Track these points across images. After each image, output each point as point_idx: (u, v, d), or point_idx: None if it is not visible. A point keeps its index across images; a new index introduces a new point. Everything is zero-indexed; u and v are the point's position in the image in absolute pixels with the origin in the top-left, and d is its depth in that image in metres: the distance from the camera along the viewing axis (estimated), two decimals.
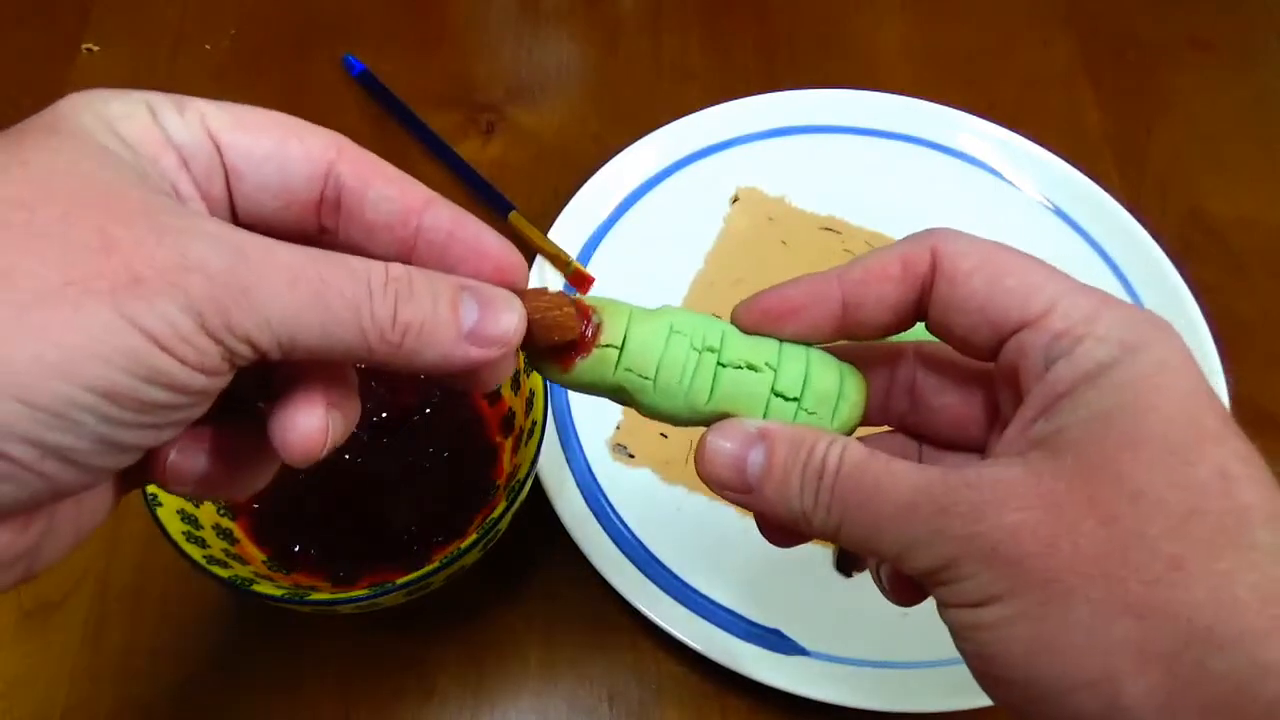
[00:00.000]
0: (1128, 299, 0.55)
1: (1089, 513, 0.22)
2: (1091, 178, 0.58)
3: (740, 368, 0.27)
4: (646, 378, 0.27)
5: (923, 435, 0.30)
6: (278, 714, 0.45)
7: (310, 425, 0.24)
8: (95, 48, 0.67)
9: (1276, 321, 0.57)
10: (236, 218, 0.25)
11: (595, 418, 0.51)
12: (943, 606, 0.24)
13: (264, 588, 0.39)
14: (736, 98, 0.61)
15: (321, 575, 0.44)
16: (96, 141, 0.23)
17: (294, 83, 0.65)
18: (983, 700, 0.25)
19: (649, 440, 0.51)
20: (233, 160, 0.25)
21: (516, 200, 0.58)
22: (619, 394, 0.27)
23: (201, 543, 0.40)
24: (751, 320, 0.28)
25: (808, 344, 0.28)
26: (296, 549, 0.44)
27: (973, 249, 0.25)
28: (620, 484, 0.49)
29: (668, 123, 0.60)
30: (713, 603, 0.46)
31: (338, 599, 0.39)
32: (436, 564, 0.39)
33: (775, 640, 0.45)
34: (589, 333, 0.27)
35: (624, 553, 0.47)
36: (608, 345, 0.27)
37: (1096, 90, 0.66)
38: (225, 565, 0.40)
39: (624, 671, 0.46)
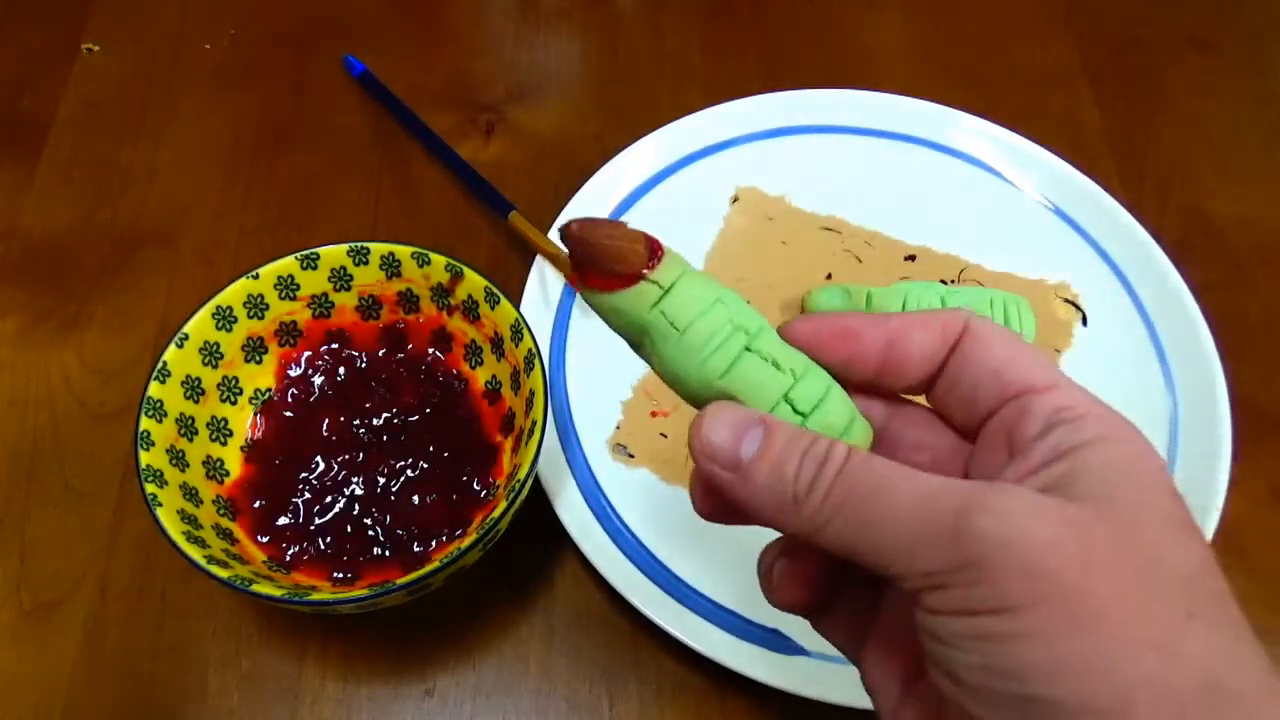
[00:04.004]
0: (1128, 299, 0.55)
1: (1117, 550, 0.22)
2: (1091, 178, 0.58)
3: (765, 360, 0.27)
4: (676, 328, 0.27)
5: None
6: (277, 714, 0.45)
7: None
8: (95, 48, 0.67)
9: (1276, 321, 0.57)
10: None
11: (595, 418, 0.51)
12: (936, 614, 0.23)
13: (264, 588, 0.39)
14: (736, 98, 0.61)
15: (321, 575, 0.44)
16: None
17: (294, 83, 0.65)
18: None
19: (649, 440, 0.51)
20: None
21: (516, 200, 0.58)
22: (641, 336, 0.28)
23: (201, 543, 0.40)
24: (798, 334, 0.28)
25: (836, 380, 0.28)
26: (296, 549, 0.44)
27: (998, 327, 0.28)
28: (620, 484, 0.49)
29: (668, 123, 0.60)
30: (713, 603, 0.46)
31: (338, 599, 0.39)
32: (436, 564, 0.39)
33: (775, 640, 0.45)
34: (647, 268, 0.27)
35: (624, 553, 0.47)
36: (654, 282, 0.27)
37: (1096, 90, 0.66)
38: (225, 565, 0.40)
39: (624, 671, 0.46)
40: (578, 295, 0.54)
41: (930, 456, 0.28)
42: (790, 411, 0.27)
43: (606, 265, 0.27)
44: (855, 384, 0.28)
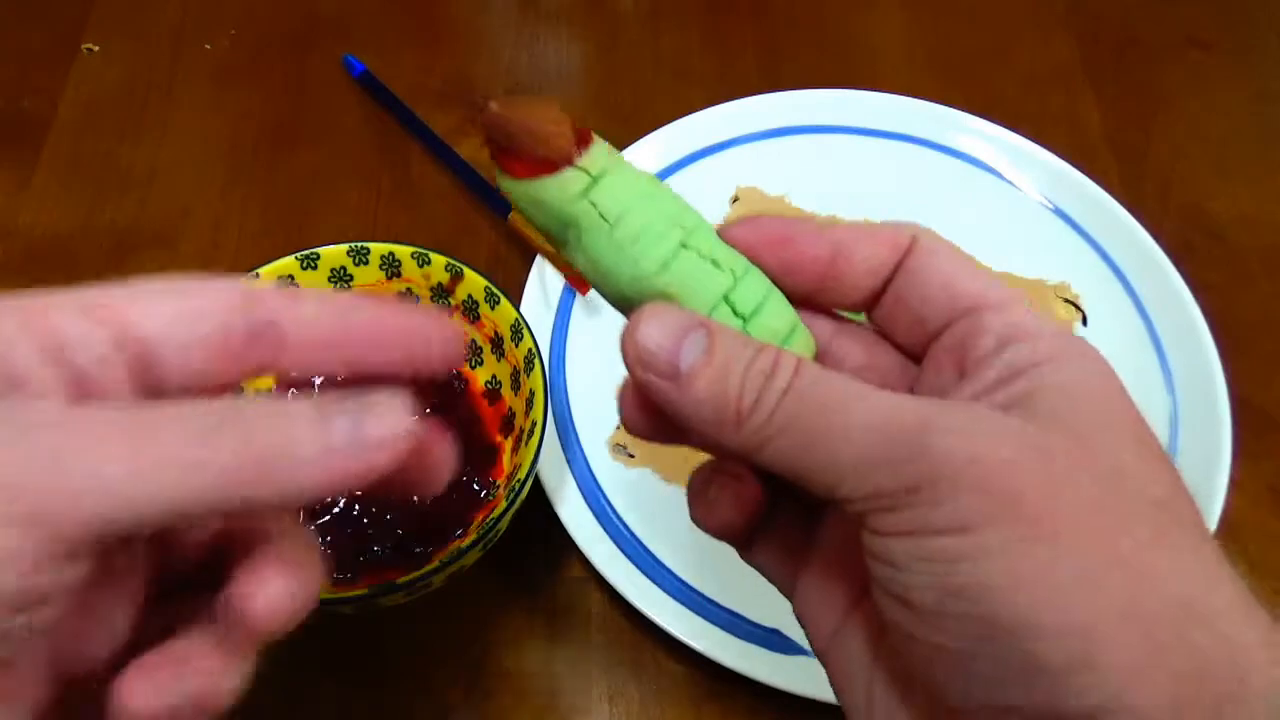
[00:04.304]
0: (1128, 299, 0.55)
1: (1081, 468, 0.21)
2: (1091, 178, 0.58)
3: (704, 257, 0.25)
4: (606, 220, 0.25)
5: None
6: (277, 714, 0.45)
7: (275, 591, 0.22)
8: (95, 48, 0.67)
9: (1276, 321, 0.57)
10: (165, 391, 0.23)
11: (595, 418, 0.51)
12: (887, 536, 0.22)
13: None
14: (736, 98, 0.61)
15: None
16: None
17: (294, 83, 0.65)
18: None
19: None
20: (142, 333, 0.22)
21: None
22: (566, 231, 0.25)
23: None
24: (737, 237, 0.26)
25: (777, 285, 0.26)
26: None
27: (946, 242, 0.26)
28: (620, 484, 0.49)
29: (668, 123, 0.60)
30: (713, 603, 0.46)
31: (338, 599, 0.39)
32: (436, 564, 0.39)
33: (775, 640, 0.45)
34: (574, 154, 0.25)
35: (624, 553, 0.47)
36: (582, 169, 0.25)
37: (1096, 90, 0.66)
38: None
39: (624, 671, 0.46)
40: (578, 296, 0.53)
41: (876, 378, 0.26)
42: (730, 314, 0.25)
43: (528, 149, 0.24)
44: (796, 296, 0.27)
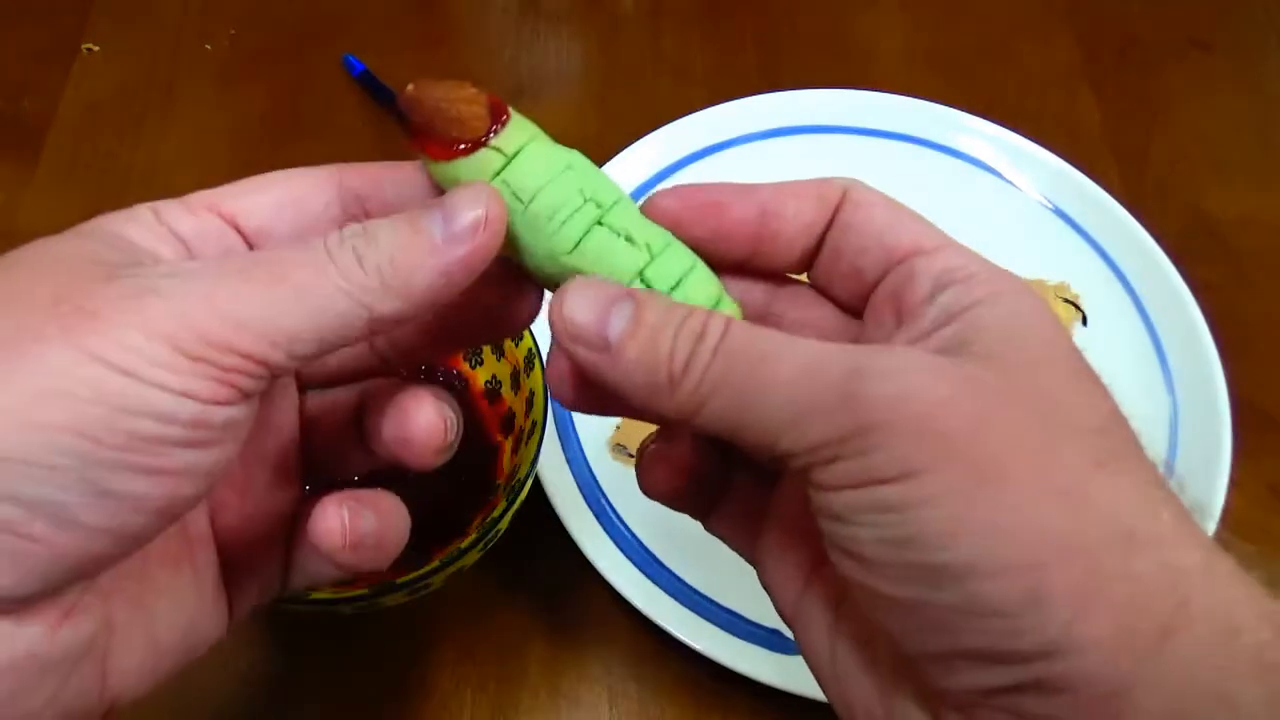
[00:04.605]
0: (1128, 299, 0.55)
1: (1017, 403, 0.21)
2: (1091, 178, 0.58)
3: (618, 234, 0.25)
4: (520, 199, 0.25)
5: None
6: (277, 714, 0.45)
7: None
8: (95, 48, 0.67)
9: (1276, 321, 0.57)
10: None
11: (595, 418, 0.51)
12: (829, 490, 0.21)
13: None
14: (736, 98, 0.61)
15: None
16: (86, 243, 0.23)
17: (294, 83, 0.65)
18: None
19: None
20: (250, 226, 0.25)
21: None
22: None
23: None
24: (662, 210, 0.26)
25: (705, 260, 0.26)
26: None
27: (877, 193, 0.26)
28: (620, 484, 0.49)
29: (668, 123, 0.60)
30: (713, 603, 0.46)
31: (338, 599, 0.39)
32: (436, 564, 0.39)
33: (775, 640, 0.45)
34: (489, 135, 0.25)
35: (624, 553, 0.47)
36: (496, 149, 0.25)
37: (1096, 90, 0.66)
38: None
39: (624, 671, 0.46)
40: None
41: (817, 336, 0.25)
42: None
43: (443, 131, 0.24)
44: (729, 264, 0.26)
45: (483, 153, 0.25)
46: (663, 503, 0.28)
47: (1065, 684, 0.20)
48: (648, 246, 0.25)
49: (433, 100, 0.25)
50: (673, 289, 0.25)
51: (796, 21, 0.69)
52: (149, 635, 0.24)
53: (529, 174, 0.25)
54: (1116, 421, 0.22)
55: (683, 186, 0.26)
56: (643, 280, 0.25)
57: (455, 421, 0.27)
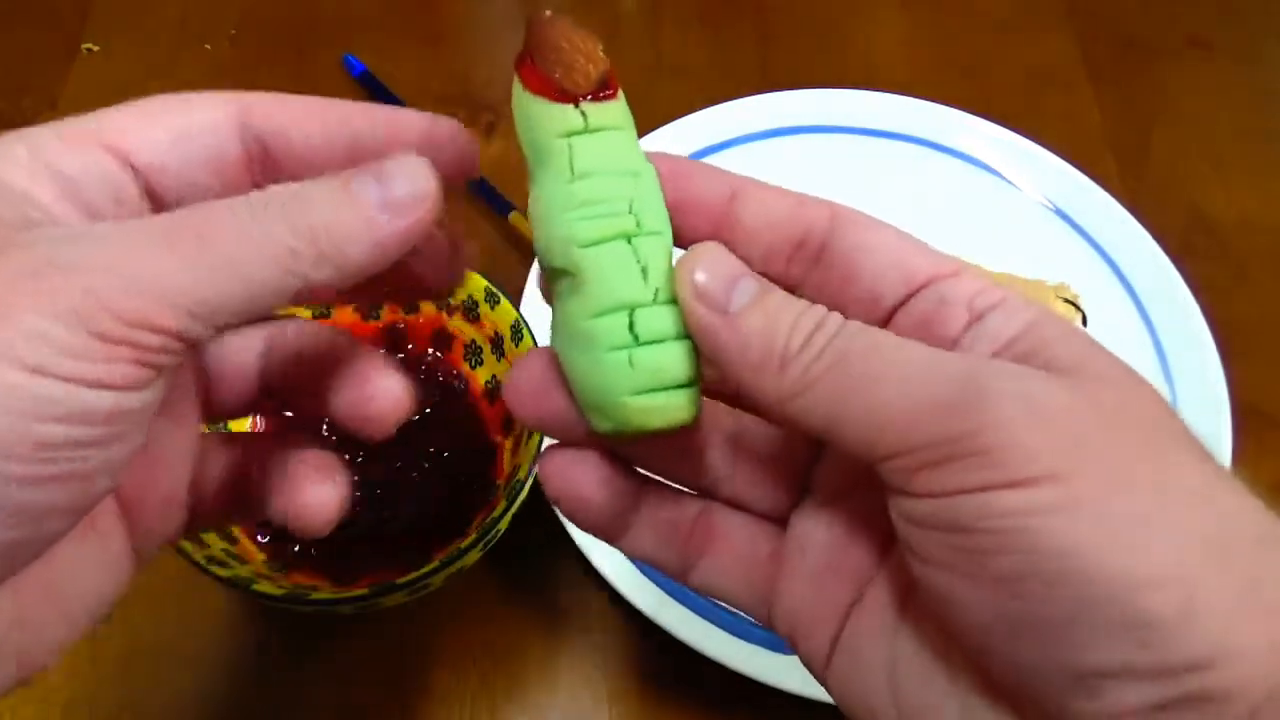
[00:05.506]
0: (1128, 299, 0.55)
1: (1126, 416, 0.20)
2: (1091, 178, 0.58)
3: (637, 261, 0.24)
4: (572, 169, 0.24)
5: None
6: (277, 714, 0.45)
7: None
8: (95, 48, 0.67)
9: (1276, 321, 0.57)
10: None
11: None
12: (936, 497, 0.20)
13: (264, 587, 0.39)
14: (736, 97, 0.61)
15: (321, 575, 0.44)
16: None
17: (294, 83, 0.65)
18: None
19: None
20: (142, 161, 0.24)
21: (516, 200, 0.58)
22: (537, 157, 0.24)
23: (201, 543, 0.40)
24: (655, 160, 0.26)
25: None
26: (296, 549, 0.44)
27: (871, 218, 0.25)
28: None
29: (668, 123, 0.60)
30: (713, 603, 0.46)
31: (338, 599, 0.39)
32: (436, 564, 0.39)
33: (775, 640, 0.45)
34: (584, 98, 0.24)
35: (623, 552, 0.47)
36: (583, 112, 0.24)
37: (1096, 90, 0.66)
38: (225, 565, 0.40)
39: (624, 671, 0.46)
40: None
41: None
42: (625, 327, 0.23)
43: (548, 67, 0.23)
44: (688, 238, 0.25)
45: (568, 108, 0.24)
46: (541, 428, 0.28)
47: (1219, 695, 0.18)
48: (656, 289, 0.24)
49: (556, 36, 0.24)
50: (650, 341, 0.24)
51: (796, 21, 0.69)
52: (61, 614, 0.22)
53: (594, 154, 0.24)
54: (1198, 440, 0.21)
55: (679, 157, 0.26)
56: (629, 316, 0.23)
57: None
